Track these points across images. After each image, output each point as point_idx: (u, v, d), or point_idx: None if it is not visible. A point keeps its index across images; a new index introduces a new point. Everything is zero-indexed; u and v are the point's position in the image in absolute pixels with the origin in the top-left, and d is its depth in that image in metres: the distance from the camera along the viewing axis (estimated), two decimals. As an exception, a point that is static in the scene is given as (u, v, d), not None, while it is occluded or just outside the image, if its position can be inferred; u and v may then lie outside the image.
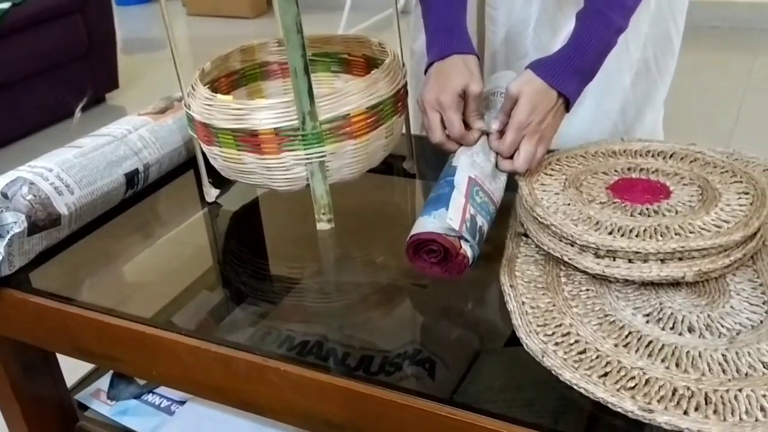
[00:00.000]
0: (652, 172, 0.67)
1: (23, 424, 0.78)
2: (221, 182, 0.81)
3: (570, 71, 0.70)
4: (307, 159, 0.69)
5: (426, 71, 0.75)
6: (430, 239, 0.62)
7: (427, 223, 0.63)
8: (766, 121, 2.06)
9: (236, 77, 0.87)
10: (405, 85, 0.76)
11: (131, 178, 0.81)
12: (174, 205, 0.86)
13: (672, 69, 0.96)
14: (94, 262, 0.76)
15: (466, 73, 0.71)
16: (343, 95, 0.69)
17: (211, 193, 0.82)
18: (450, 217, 0.62)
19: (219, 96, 0.72)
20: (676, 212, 0.60)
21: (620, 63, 0.92)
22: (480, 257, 0.63)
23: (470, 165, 0.69)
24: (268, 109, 0.68)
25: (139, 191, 0.84)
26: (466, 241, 0.62)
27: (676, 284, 0.57)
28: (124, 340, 0.65)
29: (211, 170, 0.79)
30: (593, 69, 0.72)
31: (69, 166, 0.75)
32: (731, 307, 0.55)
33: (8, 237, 0.68)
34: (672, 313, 0.55)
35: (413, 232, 0.63)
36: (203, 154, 0.78)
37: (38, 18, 2.25)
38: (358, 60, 0.87)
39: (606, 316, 0.55)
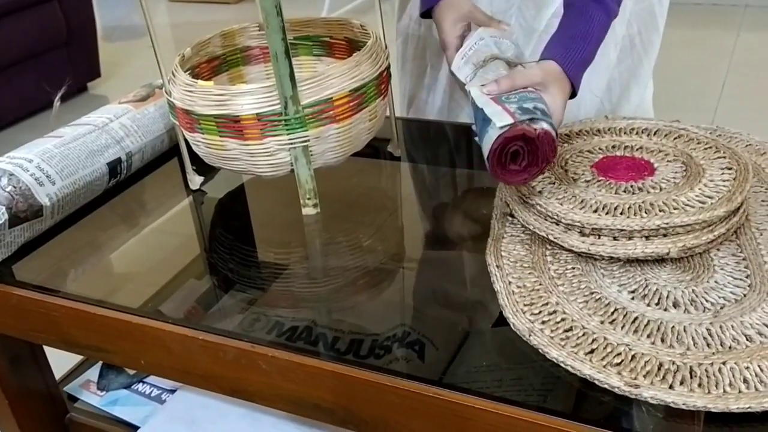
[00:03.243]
0: (637, 150, 0.67)
1: (12, 418, 0.77)
2: (205, 169, 0.81)
3: (581, 64, 0.70)
4: (291, 144, 0.69)
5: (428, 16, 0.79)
6: (503, 142, 0.59)
7: (490, 137, 0.60)
8: (749, 97, 2.07)
9: (217, 63, 0.86)
10: (388, 68, 0.76)
11: (114, 167, 0.80)
12: (158, 193, 0.85)
13: (657, 45, 0.96)
14: (78, 253, 0.75)
15: (457, 11, 0.76)
16: (326, 79, 0.68)
17: (195, 180, 0.81)
18: (500, 121, 0.59)
19: (200, 82, 0.71)
20: (660, 189, 0.61)
21: (605, 40, 0.92)
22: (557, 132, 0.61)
23: (479, 86, 0.67)
24: (250, 95, 0.67)
25: (122, 180, 0.83)
26: (532, 120, 0.59)
27: (660, 260, 0.58)
28: (111, 331, 0.64)
29: (195, 157, 0.78)
30: (593, 57, 0.72)
31: (49, 156, 0.74)
32: (715, 281, 0.55)
33: (-11, 230, 0.67)
34: (657, 289, 0.55)
35: (485, 150, 0.61)
36: (186, 141, 0.77)
37: (14, 6, 2.21)
38: (340, 43, 0.86)
39: (592, 293, 0.56)
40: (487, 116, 0.62)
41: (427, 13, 0.83)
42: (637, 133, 0.70)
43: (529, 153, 0.59)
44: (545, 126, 0.59)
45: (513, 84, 0.66)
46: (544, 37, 0.93)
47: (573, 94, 0.70)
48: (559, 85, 0.68)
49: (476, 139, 0.66)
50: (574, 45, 0.70)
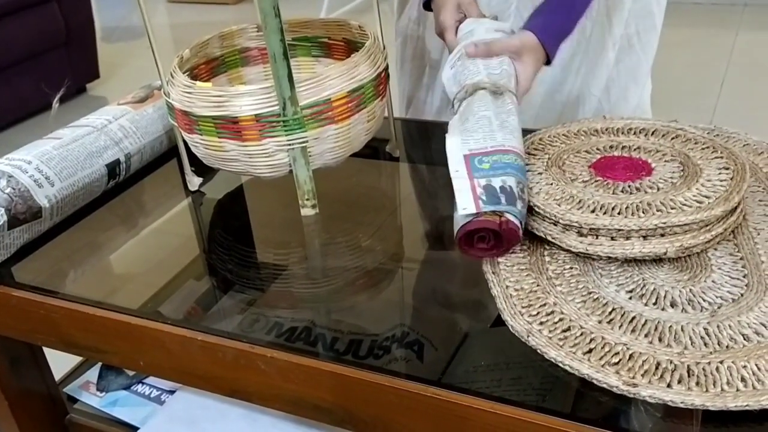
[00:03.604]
0: (634, 150, 0.67)
1: (12, 419, 0.78)
2: (204, 170, 0.81)
3: (558, 35, 0.73)
4: (289, 145, 0.69)
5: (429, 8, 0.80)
6: (468, 231, 0.58)
7: (457, 220, 0.59)
8: (748, 97, 2.07)
9: (216, 64, 0.86)
10: (386, 68, 0.76)
11: (113, 168, 0.80)
12: (157, 194, 0.86)
13: (655, 44, 0.97)
14: (77, 255, 0.75)
15: None
16: (324, 79, 0.68)
17: (194, 181, 0.82)
18: (463, 207, 0.58)
19: (198, 83, 0.71)
20: (658, 189, 0.61)
21: (604, 40, 0.93)
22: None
23: (461, 133, 0.64)
24: (248, 96, 0.67)
25: (121, 182, 0.83)
26: (494, 212, 0.57)
27: (658, 260, 0.58)
28: (111, 332, 0.65)
29: (194, 159, 0.78)
30: (573, 29, 0.75)
31: (48, 158, 0.74)
32: (713, 281, 0.56)
33: (-11, 231, 0.67)
34: (655, 289, 0.55)
35: (455, 229, 0.60)
36: (185, 142, 0.78)
37: (13, 7, 2.22)
38: (339, 44, 0.86)
39: (590, 293, 0.56)
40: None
41: (428, 5, 0.83)
42: (634, 133, 0.70)
43: (494, 238, 0.58)
44: (509, 217, 0.57)
45: (490, 51, 0.70)
46: None
47: (548, 62, 0.73)
48: (534, 56, 0.71)
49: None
50: (554, 17, 0.73)
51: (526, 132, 0.73)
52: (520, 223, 0.58)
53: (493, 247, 0.59)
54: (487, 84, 0.68)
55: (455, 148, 0.62)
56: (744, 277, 0.56)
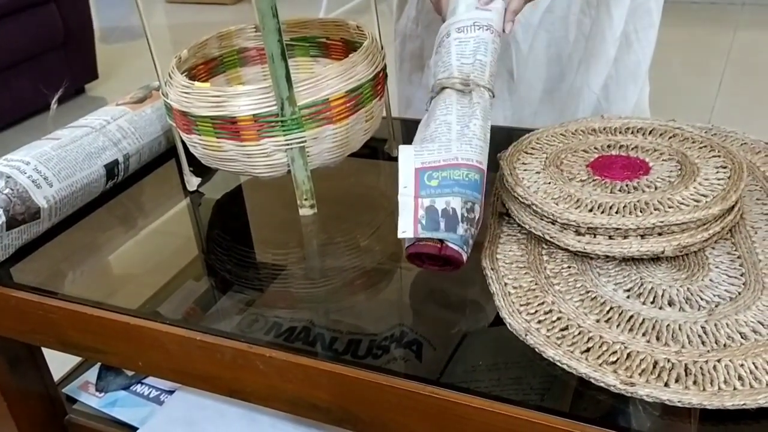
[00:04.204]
0: (632, 149, 0.67)
1: (10, 419, 0.78)
2: (202, 171, 0.81)
3: None
4: (287, 145, 0.69)
5: None
6: (411, 254, 0.56)
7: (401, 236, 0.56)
8: (746, 95, 2.08)
9: (214, 64, 0.86)
10: (384, 68, 0.76)
11: (111, 169, 0.80)
12: (156, 195, 0.86)
13: (653, 42, 0.97)
14: (76, 255, 0.75)
15: None
16: (322, 79, 0.69)
17: (193, 181, 0.82)
18: (402, 230, 0.55)
19: (196, 83, 0.71)
20: (656, 188, 0.61)
21: (605, 36, 0.93)
22: (474, 234, 0.57)
23: (420, 141, 0.60)
24: (246, 96, 0.67)
25: (119, 182, 0.83)
26: (431, 238, 0.55)
27: (656, 259, 0.58)
28: (110, 332, 0.65)
29: (192, 159, 0.78)
30: None
31: (47, 159, 0.75)
32: (710, 280, 0.56)
33: (-13, 232, 0.67)
34: (652, 288, 0.56)
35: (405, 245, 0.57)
36: (183, 143, 0.78)
37: (11, 8, 2.22)
38: (337, 44, 0.86)
39: (587, 292, 0.56)
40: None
41: None
42: (632, 133, 0.70)
43: (439, 258, 0.56)
44: (449, 244, 0.55)
45: None
46: (540, 33, 0.94)
47: None
48: None
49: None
50: None
51: (524, 131, 0.73)
52: (462, 247, 0.55)
53: (441, 265, 0.57)
54: (456, 80, 0.63)
55: (408, 160, 0.59)
56: (741, 275, 0.56)
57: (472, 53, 0.65)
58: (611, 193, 0.61)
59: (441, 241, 0.55)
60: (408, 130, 0.95)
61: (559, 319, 0.53)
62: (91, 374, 0.90)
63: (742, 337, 0.50)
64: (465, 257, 0.56)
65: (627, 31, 0.93)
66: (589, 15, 0.91)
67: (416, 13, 1.00)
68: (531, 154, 0.69)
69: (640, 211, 0.57)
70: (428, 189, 0.57)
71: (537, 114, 0.96)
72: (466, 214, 0.56)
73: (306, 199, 0.73)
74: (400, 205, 0.57)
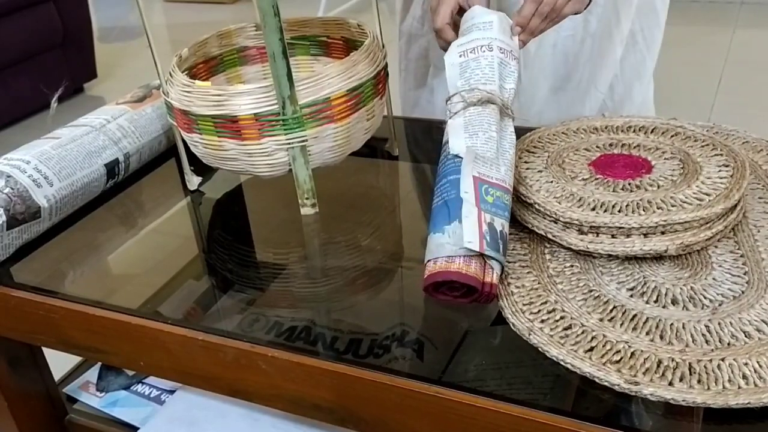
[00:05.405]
0: (634, 148, 0.67)
1: (11, 419, 0.77)
2: (203, 170, 0.81)
3: None
4: (289, 144, 0.69)
5: None
6: (451, 280, 0.53)
7: (441, 248, 0.53)
8: (745, 94, 2.08)
9: (215, 63, 0.86)
10: (385, 67, 0.76)
11: (111, 168, 0.80)
12: (156, 194, 0.85)
13: (659, 41, 0.96)
14: (76, 255, 0.75)
15: None
16: (323, 78, 0.68)
17: (193, 181, 0.81)
18: (468, 240, 0.52)
19: (197, 82, 0.71)
20: (658, 186, 0.61)
21: (612, 35, 0.92)
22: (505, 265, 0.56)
23: (469, 154, 0.58)
24: (248, 95, 0.67)
25: (120, 181, 0.83)
26: (490, 258, 0.53)
27: (659, 258, 0.58)
28: (110, 332, 0.64)
29: (193, 158, 0.78)
30: None
31: (47, 158, 0.74)
32: (713, 278, 0.56)
33: (-13, 232, 0.67)
34: (655, 287, 0.55)
35: (429, 258, 0.54)
36: (184, 142, 0.77)
37: (9, 7, 2.21)
38: (338, 42, 0.86)
39: (590, 291, 0.56)
40: (452, 199, 0.55)
41: None
42: (634, 131, 0.70)
43: (468, 292, 0.53)
44: (493, 277, 0.53)
45: (526, 18, 0.68)
46: (547, 32, 0.93)
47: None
48: None
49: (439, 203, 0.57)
50: None
51: (528, 130, 0.73)
52: (499, 269, 0.54)
53: (459, 296, 0.54)
54: (499, 100, 0.63)
55: (468, 164, 0.57)
56: (744, 274, 0.56)
57: (509, 79, 0.66)
58: (614, 191, 0.61)
59: (482, 275, 0.53)
60: (409, 129, 0.95)
61: (562, 318, 0.53)
62: (92, 374, 0.89)
63: (746, 336, 0.50)
64: (497, 279, 0.54)
65: (633, 30, 0.93)
66: (595, 14, 0.91)
67: (422, 12, 0.99)
68: (533, 152, 0.69)
69: (644, 210, 0.57)
70: (486, 204, 0.55)
71: (543, 113, 0.96)
72: (505, 236, 0.56)
73: (307, 198, 0.73)
74: (463, 209, 0.54)
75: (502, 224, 0.56)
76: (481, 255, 0.54)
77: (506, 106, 0.64)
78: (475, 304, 0.56)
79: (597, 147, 0.68)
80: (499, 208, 0.56)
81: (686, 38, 2.38)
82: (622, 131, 0.70)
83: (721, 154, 0.64)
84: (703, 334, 0.50)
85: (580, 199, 0.60)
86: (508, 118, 0.64)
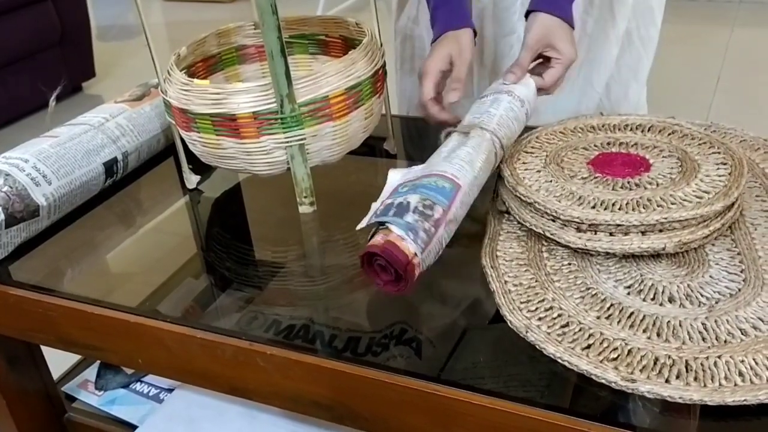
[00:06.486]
0: (632, 146, 0.67)
1: (10, 418, 0.77)
2: (202, 168, 0.81)
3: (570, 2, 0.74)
4: (287, 142, 0.69)
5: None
6: (364, 261, 0.55)
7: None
8: (743, 93, 2.08)
9: (213, 61, 0.86)
10: (383, 65, 0.76)
11: (110, 166, 0.80)
12: (155, 192, 0.85)
13: (655, 39, 0.97)
14: (75, 253, 0.75)
15: (454, 46, 0.75)
16: (321, 77, 0.68)
17: (192, 179, 0.81)
18: (359, 226, 0.55)
19: (196, 81, 0.71)
20: (657, 184, 0.61)
21: (607, 35, 0.93)
22: (431, 232, 0.55)
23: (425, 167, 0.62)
24: (246, 93, 0.67)
25: (118, 180, 0.83)
26: (380, 221, 0.54)
27: (656, 256, 0.58)
28: (109, 330, 0.65)
29: (191, 156, 0.78)
30: None
31: (45, 156, 0.74)
32: (710, 276, 0.56)
33: (-14, 230, 0.67)
34: (653, 284, 0.56)
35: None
36: (182, 140, 0.77)
37: (8, 6, 2.21)
38: (336, 41, 0.86)
39: (588, 289, 0.56)
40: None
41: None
42: (631, 130, 0.70)
43: (386, 264, 0.54)
44: (392, 228, 0.54)
45: (523, 66, 0.73)
46: None
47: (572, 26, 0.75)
48: (559, 30, 0.73)
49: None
50: None
51: (526, 130, 0.73)
52: (406, 233, 0.54)
53: (394, 279, 0.55)
54: (462, 128, 0.67)
55: (393, 181, 0.62)
56: (741, 272, 0.56)
57: (486, 109, 0.69)
58: (613, 190, 0.61)
59: (384, 237, 0.54)
60: (407, 127, 0.95)
61: (559, 316, 0.53)
62: (91, 372, 0.89)
63: (742, 334, 0.50)
64: (412, 248, 0.54)
65: (629, 29, 0.93)
66: (591, 15, 0.91)
67: (416, 12, 1.00)
68: (531, 153, 0.69)
69: (643, 208, 0.57)
70: (396, 194, 0.58)
71: (540, 113, 0.96)
72: (420, 208, 0.56)
73: (305, 197, 0.73)
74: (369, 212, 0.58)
75: (405, 198, 0.57)
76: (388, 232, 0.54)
77: (468, 128, 0.66)
78: (474, 307, 0.56)
79: (595, 146, 0.68)
80: (411, 190, 0.58)
81: (685, 37, 2.39)
82: (619, 130, 0.71)
83: (719, 153, 0.64)
84: (699, 332, 0.51)
85: (579, 198, 0.60)
86: (476, 131, 0.66)
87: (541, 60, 0.76)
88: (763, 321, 0.51)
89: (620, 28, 0.92)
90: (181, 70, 0.74)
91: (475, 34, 0.78)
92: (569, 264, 0.59)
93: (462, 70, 0.75)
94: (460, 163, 0.61)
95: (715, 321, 0.51)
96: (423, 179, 0.59)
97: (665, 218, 0.56)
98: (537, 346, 0.52)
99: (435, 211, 0.56)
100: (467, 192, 0.60)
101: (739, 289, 0.54)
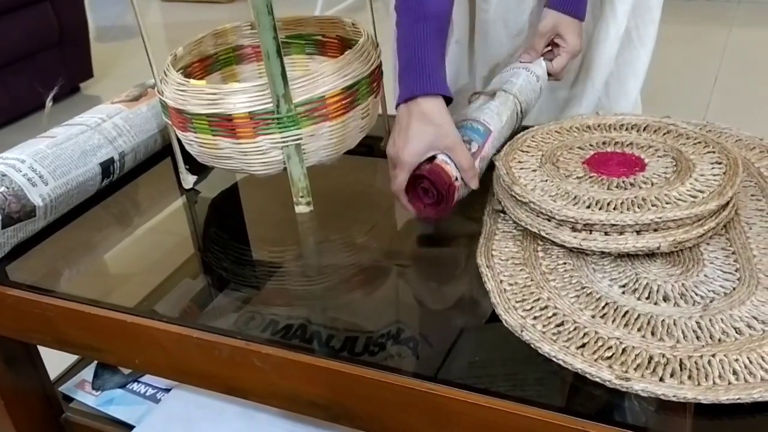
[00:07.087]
0: (627, 146, 0.68)
1: (7, 418, 0.77)
2: (198, 168, 0.81)
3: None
4: (283, 142, 0.69)
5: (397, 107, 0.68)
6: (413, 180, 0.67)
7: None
8: (741, 93, 2.08)
9: (210, 62, 0.86)
10: (380, 65, 0.76)
11: (107, 167, 0.80)
12: (151, 193, 0.86)
13: (653, 38, 0.96)
14: (72, 253, 0.75)
15: (430, 134, 0.65)
16: (318, 77, 0.69)
17: (189, 179, 0.82)
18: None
19: (192, 81, 0.71)
20: (652, 184, 0.61)
21: (608, 33, 0.92)
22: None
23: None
24: (242, 93, 0.67)
25: (115, 180, 0.83)
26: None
27: (651, 255, 0.58)
28: (106, 330, 0.65)
29: (188, 157, 0.78)
30: None
31: (42, 157, 0.74)
32: (705, 275, 0.56)
33: (-17, 230, 0.67)
34: (647, 283, 0.56)
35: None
36: (179, 140, 0.78)
37: (5, 7, 2.20)
38: (332, 41, 0.86)
39: (583, 288, 0.56)
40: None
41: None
42: (626, 129, 0.70)
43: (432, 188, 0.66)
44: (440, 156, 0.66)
45: (537, 49, 0.80)
46: None
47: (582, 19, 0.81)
48: (570, 26, 0.79)
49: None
50: None
51: (524, 128, 0.73)
52: (450, 160, 0.66)
53: (430, 200, 0.67)
54: (487, 90, 0.78)
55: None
56: (736, 271, 0.56)
57: (508, 78, 0.79)
58: (608, 189, 0.61)
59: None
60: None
61: (554, 315, 0.54)
62: (88, 373, 0.89)
63: (736, 332, 0.50)
64: (454, 172, 0.66)
65: (628, 28, 0.93)
66: (592, 14, 0.91)
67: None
68: (527, 152, 0.69)
69: (638, 207, 0.58)
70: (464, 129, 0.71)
71: (540, 112, 0.96)
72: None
73: (302, 197, 0.73)
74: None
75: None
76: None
77: (493, 92, 0.76)
78: (469, 306, 0.56)
79: (590, 145, 0.69)
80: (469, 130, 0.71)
81: (682, 36, 2.39)
82: (615, 129, 0.71)
83: (714, 152, 0.64)
84: (693, 331, 0.51)
85: (575, 197, 0.60)
86: (500, 93, 0.76)
87: (550, 48, 0.82)
88: (757, 320, 0.51)
89: (621, 27, 0.92)
90: (177, 71, 0.74)
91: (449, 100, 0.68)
92: (564, 263, 0.59)
93: (466, 160, 0.67)
94: (490, 114, 0.72)
95: (710, 320, 0.52)
96: (461, 122, 0.71)
97: (660, 218, 0.56)
98: (532, 345, 0.52)
99: (472, 146, 0.69)
100: (496, 137, 0.71)
101: (734, 288, 0.54)
